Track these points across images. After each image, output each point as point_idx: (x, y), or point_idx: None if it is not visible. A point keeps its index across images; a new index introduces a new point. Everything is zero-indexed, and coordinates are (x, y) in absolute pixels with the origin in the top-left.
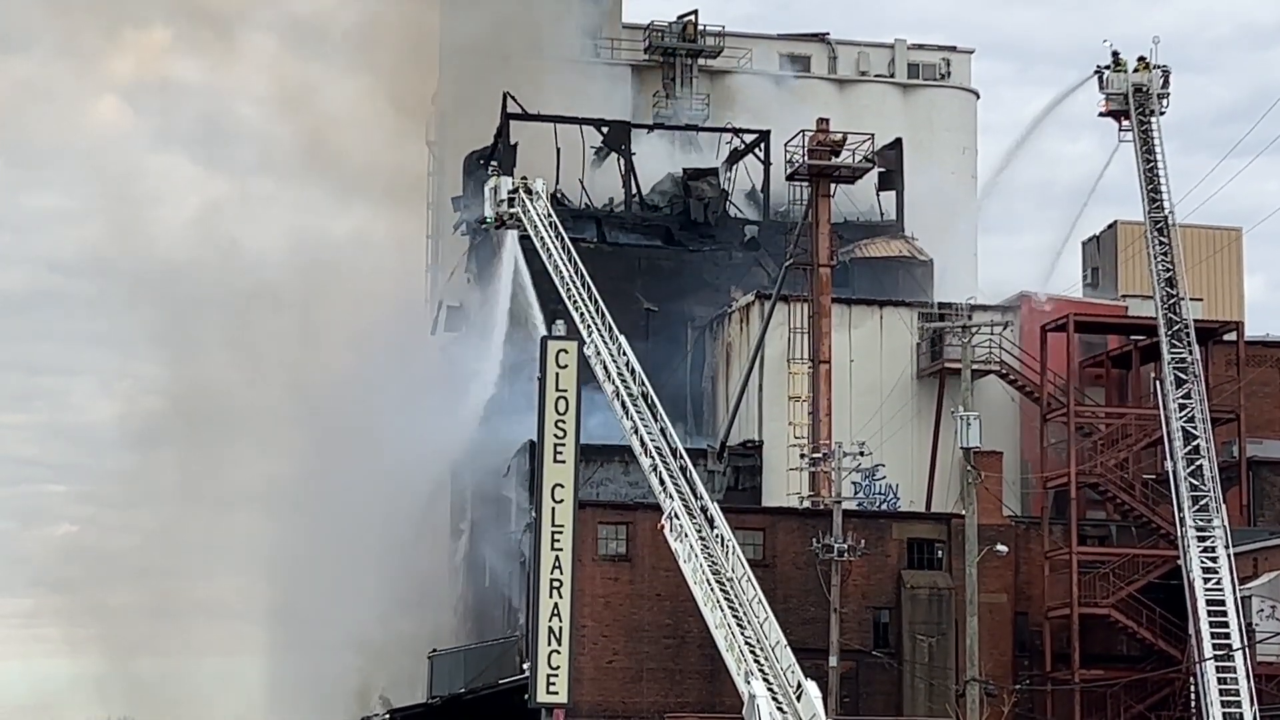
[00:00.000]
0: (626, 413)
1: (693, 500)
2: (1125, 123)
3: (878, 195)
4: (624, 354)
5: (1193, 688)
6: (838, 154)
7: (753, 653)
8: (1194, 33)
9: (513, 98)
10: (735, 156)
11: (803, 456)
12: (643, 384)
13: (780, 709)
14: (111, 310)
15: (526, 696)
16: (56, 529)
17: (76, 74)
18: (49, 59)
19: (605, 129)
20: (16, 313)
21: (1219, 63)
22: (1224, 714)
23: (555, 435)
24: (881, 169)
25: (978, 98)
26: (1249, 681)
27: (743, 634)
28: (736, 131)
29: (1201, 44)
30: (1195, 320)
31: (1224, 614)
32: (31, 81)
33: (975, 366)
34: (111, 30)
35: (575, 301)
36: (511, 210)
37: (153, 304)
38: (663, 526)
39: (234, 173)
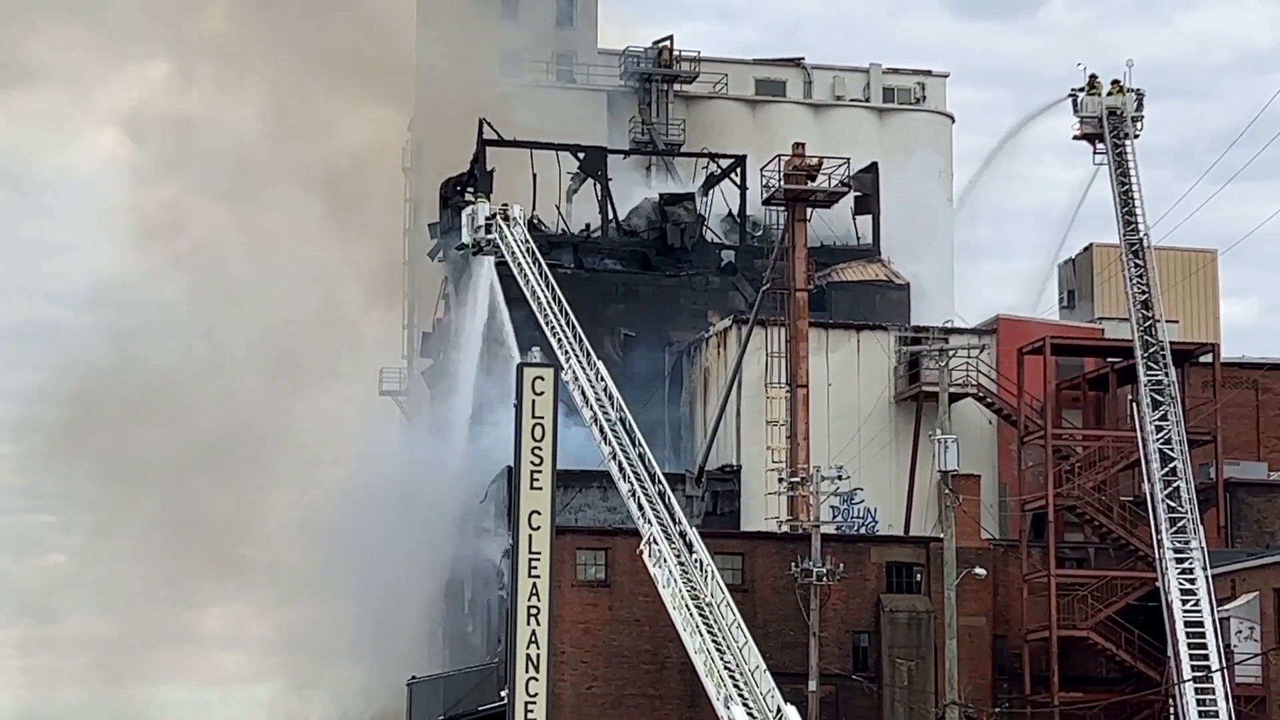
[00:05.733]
0: (605, 438)
1: (671, 525)
2: (1100, 146)
3: (854, 219)
4: (601, 379)
5: (1172, 710)
6: (814, 178)
7: (732, 678)
8: (1193, 58)
9: (489, 124)
10: (712, 181)
11: (781, 480)
12: (620, 409)
13: None
14: (106, 342)
15: None
16: (46, 559)
17: (78, 106)
18: (51, 91)
19: (581, 154)
20: (12, 343)
21: (1217, 88)
22: None
23: (532, 462)
24: (858, 193)
25: (953, 121)
26: (1228, 703)
27: (722, 659)
28: (713, 156)
29: (1200, 69)
30: (1171, 342)
31: (1202, 636)
32: (33, 113)
33: (952, 389)
34: (114, 63)
35: (553, 327)
36: (489, 236)
37: (148, 336)
38: (641, 552)
39: (229, 205)
